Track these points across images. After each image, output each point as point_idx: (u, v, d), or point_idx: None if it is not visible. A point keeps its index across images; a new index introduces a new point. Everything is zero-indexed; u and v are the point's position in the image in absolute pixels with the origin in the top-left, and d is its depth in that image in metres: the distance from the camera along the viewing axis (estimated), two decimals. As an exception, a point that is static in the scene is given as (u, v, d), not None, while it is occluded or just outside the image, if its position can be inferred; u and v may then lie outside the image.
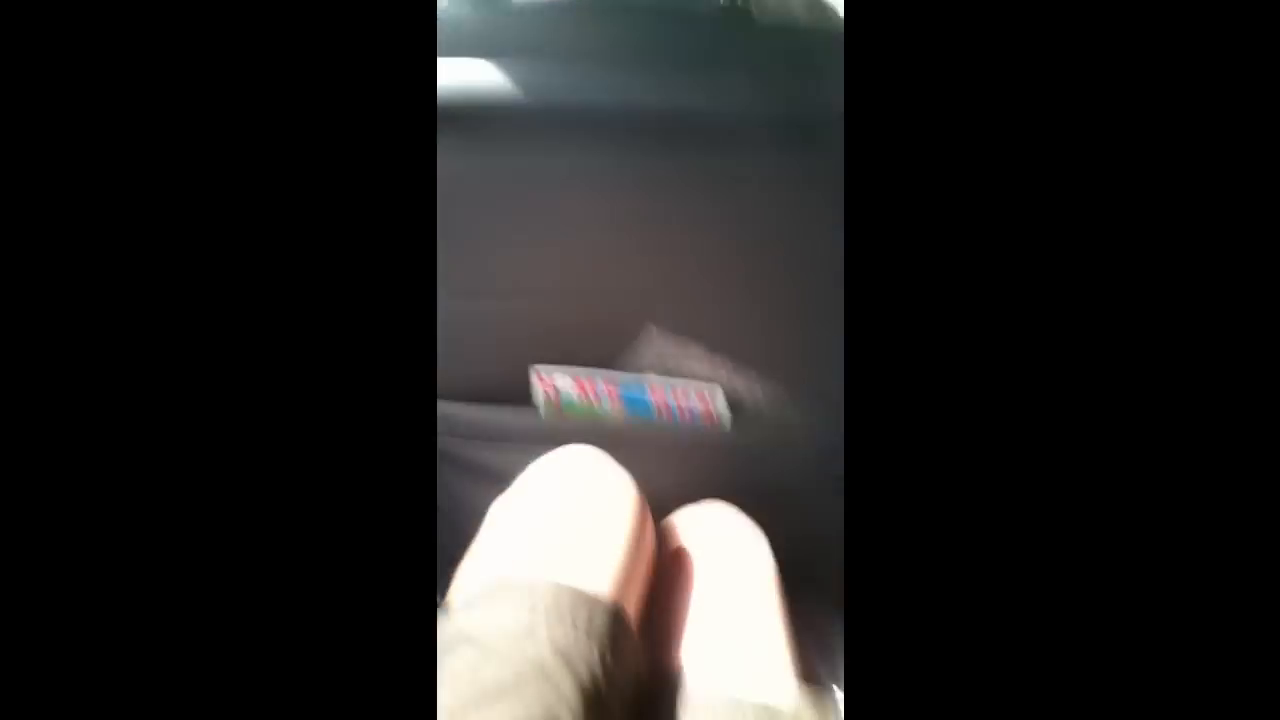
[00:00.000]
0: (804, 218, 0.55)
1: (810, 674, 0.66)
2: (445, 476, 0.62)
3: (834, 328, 0.57)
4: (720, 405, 0.59)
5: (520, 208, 0.56)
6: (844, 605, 0.24)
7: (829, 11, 0.64)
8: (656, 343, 0.59)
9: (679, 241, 0.57)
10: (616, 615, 0.39)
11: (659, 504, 0.57)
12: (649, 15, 0.59)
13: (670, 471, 0.61)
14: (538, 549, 0.42)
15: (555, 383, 0.61)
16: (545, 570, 0.40)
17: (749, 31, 0.59)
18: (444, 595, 0.42)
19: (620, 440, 0.60)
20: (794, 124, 0.53)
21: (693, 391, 0.59)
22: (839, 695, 0.63)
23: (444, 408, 0.61)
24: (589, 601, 0.38)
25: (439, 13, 0.56)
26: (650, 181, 0.56)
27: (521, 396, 0.62)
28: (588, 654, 0.35)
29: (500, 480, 0.50)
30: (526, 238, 0.57)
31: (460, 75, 0.51)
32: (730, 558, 0.50)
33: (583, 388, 0.61)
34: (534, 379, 0.61)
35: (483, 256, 0.57)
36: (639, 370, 0.60)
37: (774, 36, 0.58)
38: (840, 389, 0.58)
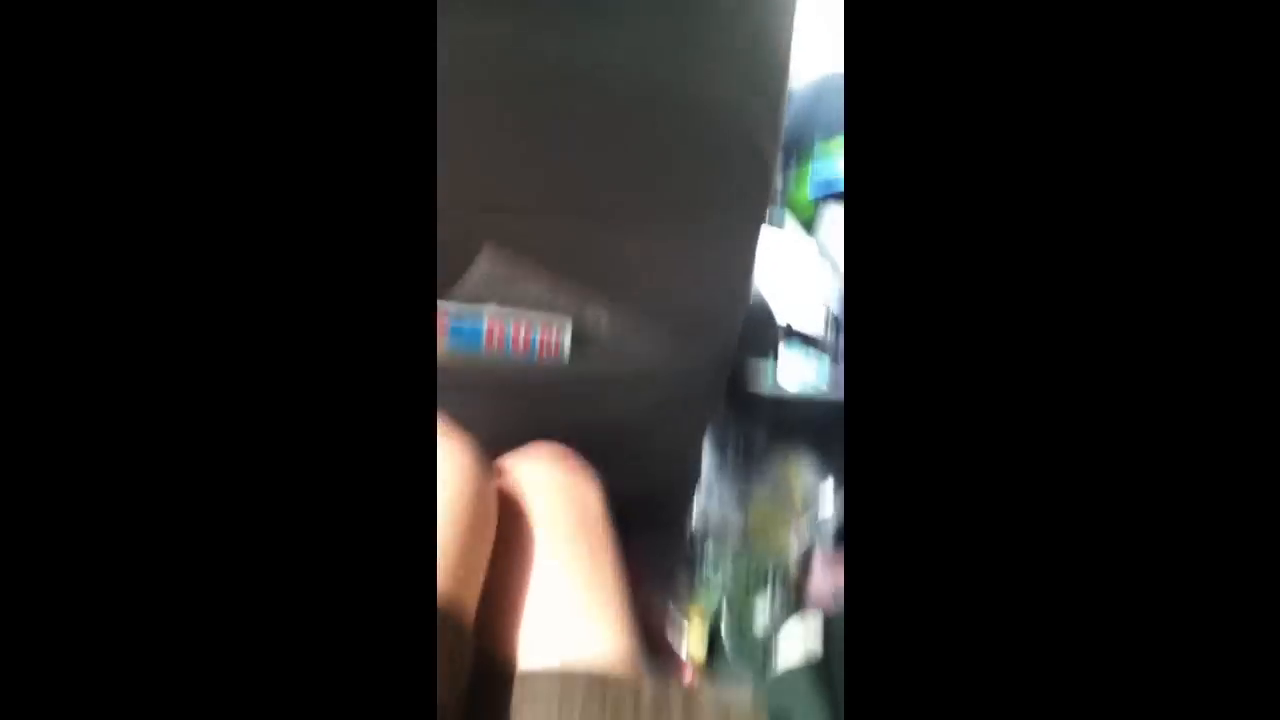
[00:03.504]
0: (680, 123, 0.49)
1: (657, 620, 0.71)
2: None
3: (702, 248, 0.56)
4: (566, 339, 0.53)
5: None
6: (844, 608, 0.26)
7: None
8: (495, 264, 0.49)
9: (536, 140, 0.46)
10: (446, 618, 0.35)
11: (493, 446, 0.52)
12: None
13: (504, 410, 0.55)
14: None
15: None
16: None
17: None
18: None
19: (449, 380, 0.51)
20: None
21: (538, 324, 0.52)
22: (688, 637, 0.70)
23: None
24: None
25: None
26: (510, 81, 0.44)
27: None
28: None
29: None
30: None
31: None
32: (555, 513, 0.47)
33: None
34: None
35: None
36: (475, 298, 0.50)
37: None
38: (694, 317, 0.58)
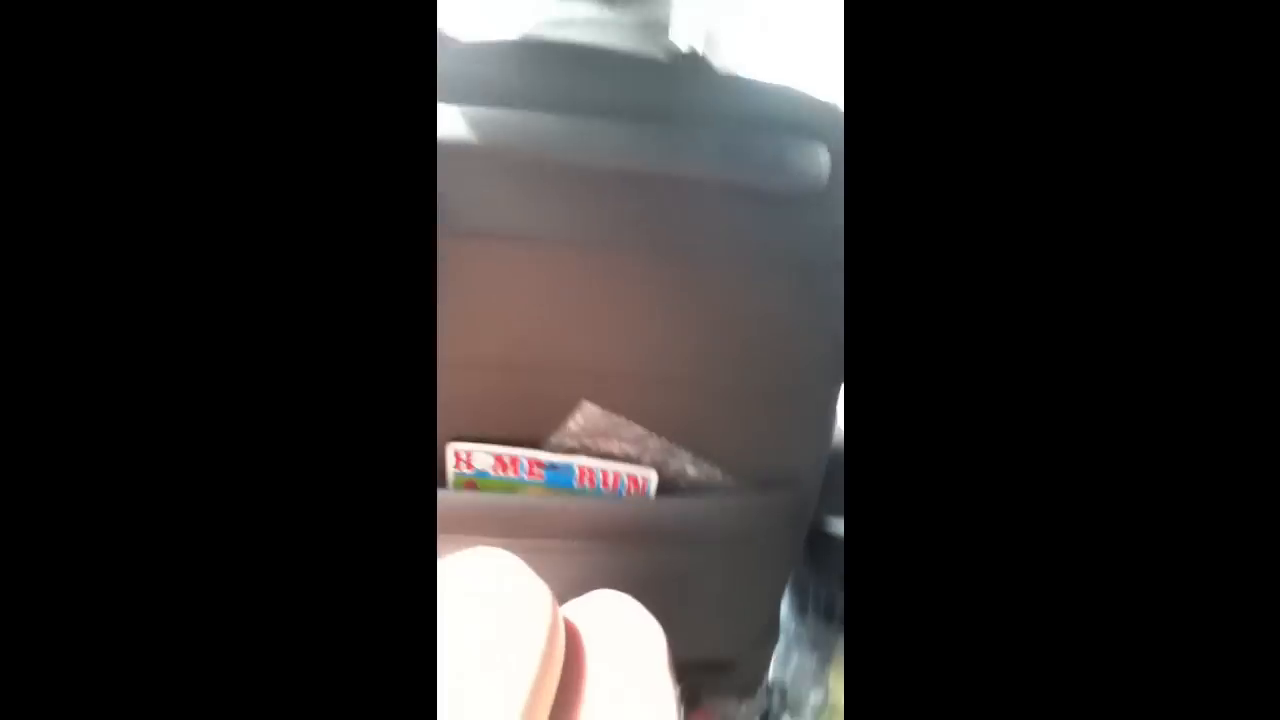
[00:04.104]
0: (767, 289, 0.53)
1: None
2: None
3: (785, 407, 0.59)
4: (651, 488, 0.57)
5: (458, 268, 0.47)
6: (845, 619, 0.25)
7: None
8: (589, 418, 0.55)
9: (631, 307, 0.52)
10: None
11: (571, 587, 0.54)
12: (600, 60, 0.52)
13: (577, 560, 0.57)
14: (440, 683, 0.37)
15: (472, 459, 0.53)
16: (448, 708, 0.35)
17: (710, 82, 0.54)
18: None
19: (533, 521, 0.55)
20: (763, 188, 0.51)
21: (625, 475, 0.56)
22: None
23: None
24: None
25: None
26: (603, 244, 0.50)
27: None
28: None
29: None
30: (462, 304, 0.48)
31: None
32: (618, 659, 0.46)
33: (502, 463, 0.54)
34: (449, 455, 0.53)
35: None
36: (569, 450, 0.55)
37: (738, 91, 0.54)
38: (775, 474, 0.61)
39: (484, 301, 0.50)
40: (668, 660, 0.47)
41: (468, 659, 0.37)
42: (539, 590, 0.44)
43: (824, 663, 0.80)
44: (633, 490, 0.57)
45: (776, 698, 0.75)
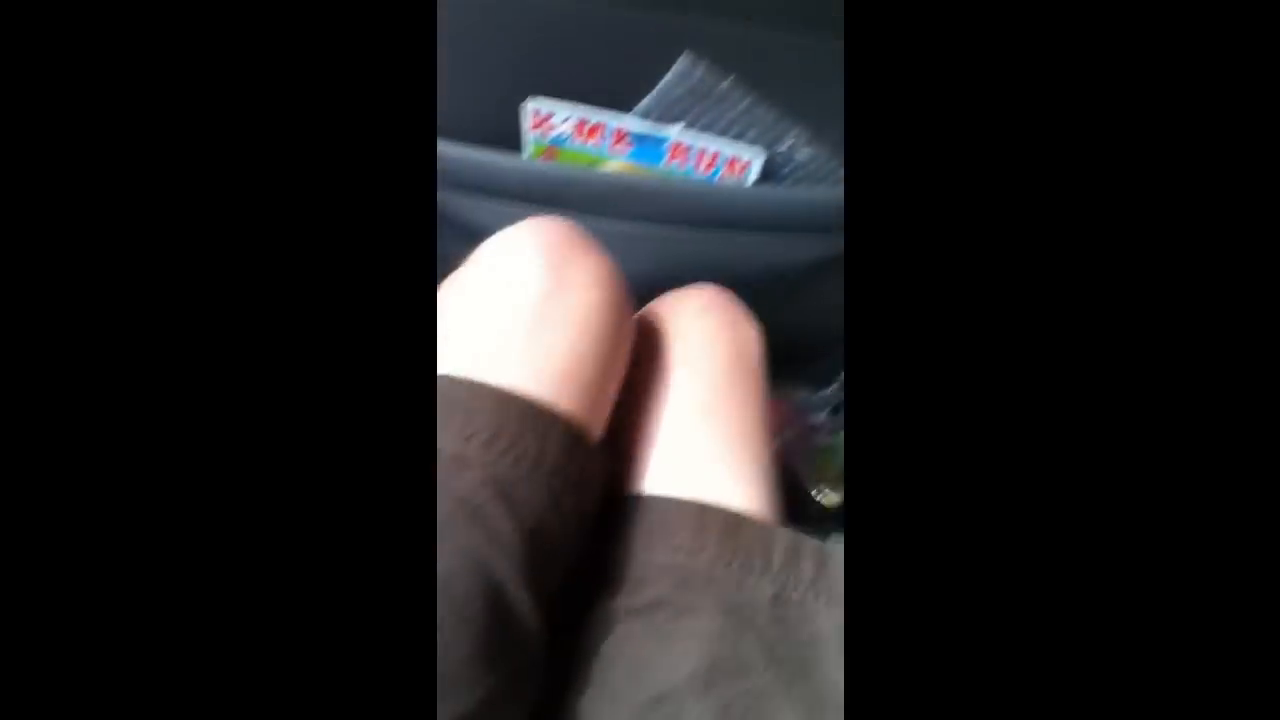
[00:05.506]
0: None
1: (795, 474, 0.70)
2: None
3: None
4: (755, 169, 0.49)
5: None
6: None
7: None
8: (686, 76, 0.45)
9: None
10: (576, 437, 0.33)
11: (652, 282, 0.50)
12: None
13: (669, 248, 0.52)
14: (484, 347, 0.33)
15: (551, 119, 0.46)
16: (491, 374, 0.31)
17: None
18: None
19: (615, 203, 0.49)
20: None
21: (724, 157, 0.48)
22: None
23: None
24: (543, 420, 0.32)
25: None
26: None
27: (515, 138, 0.47)
28: (536, 486, 0.30)
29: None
30: None
31: None
32: (714, 356, 0.44)
33: (583, 129, 0.47)
34: (525, 113, 0.45)
35: None
36: (667, 116, 0.47)
37: None
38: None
39: None
40: (762, 363, 0.45)
41: (511, 340, 0.33)
42: (599, 262, 0.39)
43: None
44: (728, 175, 0.49)
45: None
